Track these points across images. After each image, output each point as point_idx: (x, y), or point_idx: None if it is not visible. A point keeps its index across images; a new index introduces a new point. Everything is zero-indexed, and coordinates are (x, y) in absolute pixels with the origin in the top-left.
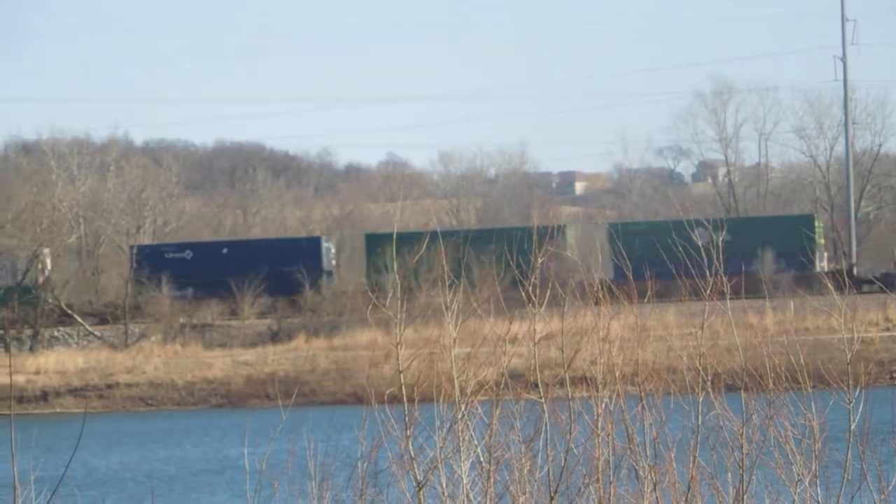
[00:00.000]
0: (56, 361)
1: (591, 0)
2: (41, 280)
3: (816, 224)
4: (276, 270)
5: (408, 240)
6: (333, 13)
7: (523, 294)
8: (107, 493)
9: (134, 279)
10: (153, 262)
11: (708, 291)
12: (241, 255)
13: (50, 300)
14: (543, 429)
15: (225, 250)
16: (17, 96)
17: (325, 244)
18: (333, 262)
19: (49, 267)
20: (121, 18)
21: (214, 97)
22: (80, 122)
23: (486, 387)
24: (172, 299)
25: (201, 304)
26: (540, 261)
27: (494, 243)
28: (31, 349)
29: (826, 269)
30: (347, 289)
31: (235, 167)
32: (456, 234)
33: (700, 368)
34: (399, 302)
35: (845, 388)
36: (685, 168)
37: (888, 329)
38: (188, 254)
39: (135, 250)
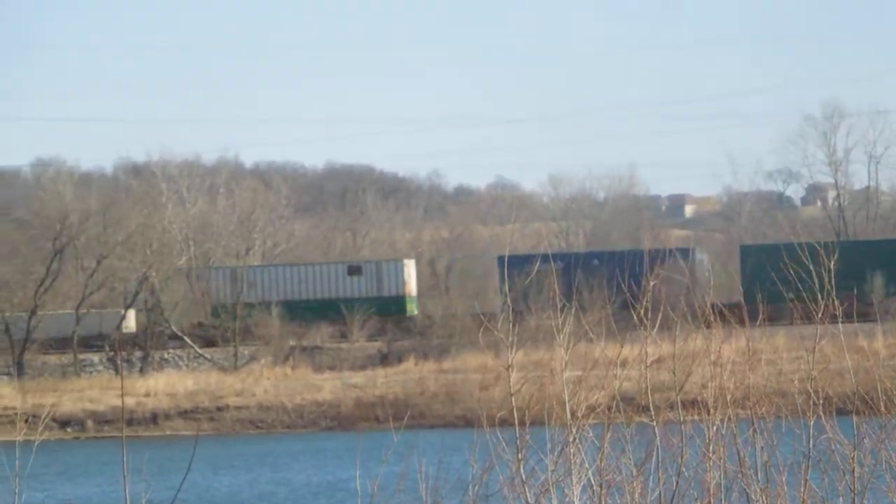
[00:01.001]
0: (166, 384)
1: (701, 22)
2: (150, 303)
3: None
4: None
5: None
6: (445, 35)
7: (634, 317)
8: None
9: (244, 301)
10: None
11: (819, 315)
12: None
13: (160, 323)
14: (655, 452)
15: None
16: (127, 118)
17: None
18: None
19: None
20: (229, 40)
21: (324, 118)
22: (190, 143)
23: (597, 410)
24: (282, 321)
25: (311, 327)
26: (652, 283)
27: (605, 266)
28: (142, 371)
29: None
30: (457, 311)
31: (345, 189)
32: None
33: (811, 392)
34: (510, 325)
35: None
36: (794, 191)
37: None
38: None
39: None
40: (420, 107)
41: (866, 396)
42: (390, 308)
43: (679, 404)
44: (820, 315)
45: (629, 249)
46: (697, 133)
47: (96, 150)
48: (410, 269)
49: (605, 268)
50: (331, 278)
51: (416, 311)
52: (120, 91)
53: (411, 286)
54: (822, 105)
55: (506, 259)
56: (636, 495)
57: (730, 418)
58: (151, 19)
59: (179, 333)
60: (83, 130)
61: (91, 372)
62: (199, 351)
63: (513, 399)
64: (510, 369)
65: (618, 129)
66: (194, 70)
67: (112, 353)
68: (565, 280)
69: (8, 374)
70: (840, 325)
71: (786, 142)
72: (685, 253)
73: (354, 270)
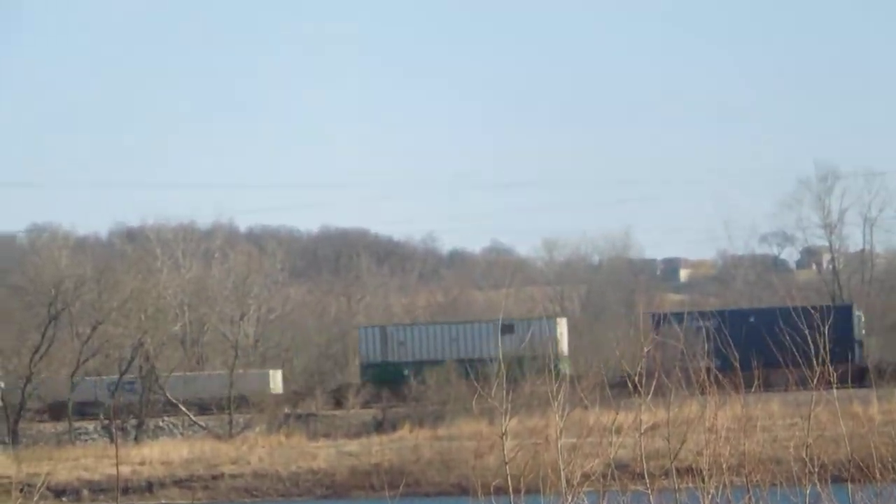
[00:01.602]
0: (161, 452)
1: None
2: (145, 369)
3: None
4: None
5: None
6: (438, 100)
7: (629, 384)
8: None
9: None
10: None
11: (814, 381)
12: None
13: (154, 391)
14: None
15: None
16: (123, 182)
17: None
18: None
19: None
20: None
21: (319, 182)
22: (185, 208)
23: (592, 478)
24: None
25: (305, 394)
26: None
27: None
28: (136, 439)
29: None
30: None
31: (340, 253)
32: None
33: (806, 459)
34: (504, 392)
35: None
36: (789, 255)
37: None
38: None
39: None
40: (415, 171)
41: (861, 464)
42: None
43: (674, 472)
44: (815, 381)
45: (780, 307)
46: (692, 197)
47: (91, 216)
48: (563, 328)
49: (762, 324)
50: (481, 337)
51: (568, 371)
52: (115, 156)
53: (563, 345)
54: (816, 167)
55: (654, 316)
56: None
57: (725, 485)
58: (145, 85)
59: (175, 401)
60: (78, 196)
61: (86, 440)
62: (194, 418)
63: (507, 467)
64: (504, 437)
65: (614, 193)
66: (190, 134)
67: (107, 421)
68: (721, 337)
69: (3, 442)
70: (835, 390)
71: (781, 205)
72: (845, 311)
73: (507, 329)
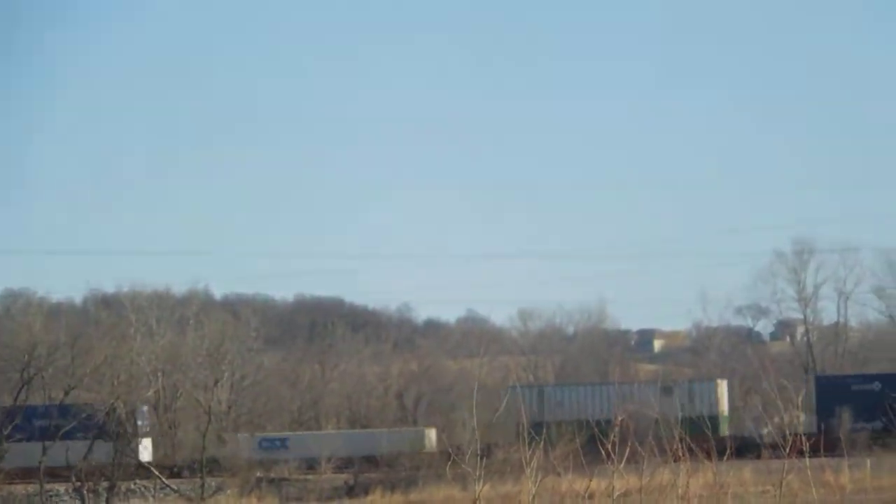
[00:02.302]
0: None
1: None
2: (118, 433)
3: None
4: None
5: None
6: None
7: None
8: None
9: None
10: None
11: (787, 450)
12: None
13: (126, 454)
14: None
15: None
16: (98, 249)
17: None
18: None
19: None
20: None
21: (295, 252)
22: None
23: None
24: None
25: (278, 458)
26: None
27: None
28: (108, 502)
29: None
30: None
31: (315, 322)
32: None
33: None
34: (477, 458)
35: None
36: (764, 327)
37: None
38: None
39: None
40: (390, 241)
41: None
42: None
43: None
44: (787, 450)
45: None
46: (669, 271)
47: (66, 282)
48: (723, 389)
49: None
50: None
51: (727, 432)
52: (90, 223)
53: (724, 405)
54: (793, 241)
55: (816, 378)
56: None
57: None
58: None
59: (147, 464)
60: (53, 262)
61: (57, 502)
62: (166, 481)
63: None
64: (477, 503)
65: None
66: (164, 203)
67: (79, 484)
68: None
69: None
70: (807, 459)
71: (756, 278)
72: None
73: (667, 390)
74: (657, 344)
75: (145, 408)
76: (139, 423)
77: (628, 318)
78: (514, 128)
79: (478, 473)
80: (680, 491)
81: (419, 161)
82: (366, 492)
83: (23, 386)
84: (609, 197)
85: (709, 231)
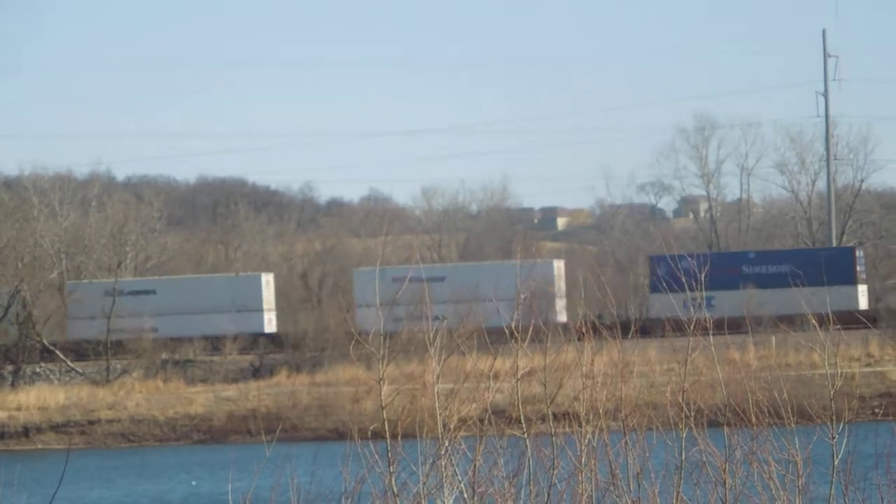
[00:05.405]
0: (37, 398)
1: (573, 36)
2: (22, 316)
3: None
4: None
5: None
6: (314, 47)
7: (506, 330)
8: None
9: (117, 315)
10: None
11: (692, 328)
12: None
13: (31, 337)
14: (526, 464)
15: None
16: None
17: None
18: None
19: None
20: (102, 53)
21: (196, 132)
22: (63, 158)
23: (469, 423)
24: (154, 335)
25: (183, 340)
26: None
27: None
28: (13, 385)
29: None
30: (330, 324)
31: (217, 202)
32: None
33: (683, 404)
34: (381, 338)
35: (828, 424)
36: (667, 204)
37: (870, 365)
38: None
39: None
40: (292, 120)
41: (737, 408)
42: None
43: (550, 416)
44: (692, 327)
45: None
46: (571, 147)
47: None
48: (560, 269)
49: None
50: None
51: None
52: None
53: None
54: (694, 117)
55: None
56: None
57: (602, 430)
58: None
59: (51, 347)
60: None
61: None
62: (71, 364)
63: (384, 412)
64: (382, 382)
65: (492, 143)
66: (67, 84)
67: None
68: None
69: None
70: (711, 337)
71: (658, 155)
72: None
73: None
74: (560, 222)
75: None
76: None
77: (531, 197)
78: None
79: (382, 353)
80: (584, 369)
81: (321, 37)
82: (271, 373)
83: None
84: (510, 71)
85: (610, 107)
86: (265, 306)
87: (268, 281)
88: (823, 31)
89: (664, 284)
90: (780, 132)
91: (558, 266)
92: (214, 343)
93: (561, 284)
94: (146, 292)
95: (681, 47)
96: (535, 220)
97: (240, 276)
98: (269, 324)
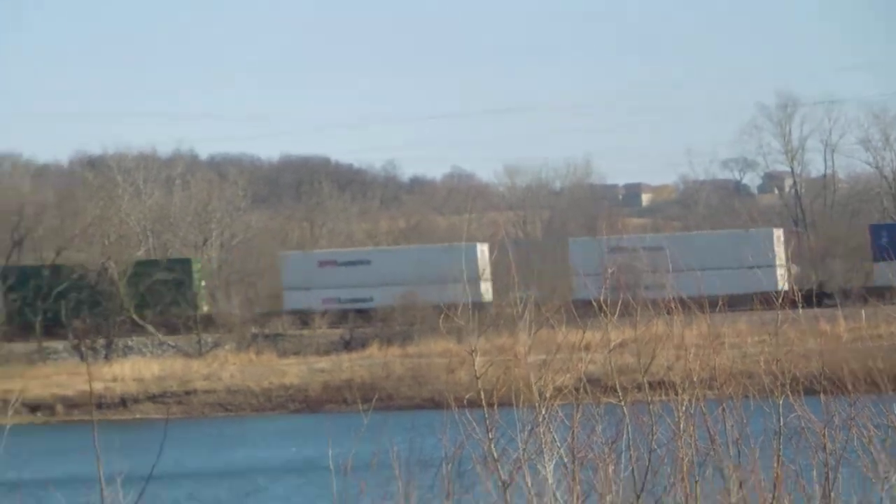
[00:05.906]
0: (132, 370)
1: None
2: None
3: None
4: None
5: None
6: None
7: (594, 304)
8: (198, 489)
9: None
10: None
11: (780, 301)
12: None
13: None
14: (625, 430)
15: None
16: (84, 112)
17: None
18: None
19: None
20: (186, 35)
21: (279, 112)
22: (146, 137)
23: (565, 391)
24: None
25: (272, 316)
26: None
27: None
28: (107, 358)
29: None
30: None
31: (301, 181)
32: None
33: (777, 373)
34: (471, 312)
35: None
36: (751, 180)
37: None
38: None
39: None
40: (375, 101)
41: (833, 377)
42: None
43: (646, 385)
44: (780, 301)
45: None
46: (655, 124)
47: (52, 144)
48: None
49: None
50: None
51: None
52: (76, 85)
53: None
54: (776, 95)
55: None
56: (609, 471)
57: (698, 398)
58: (109, 13)
59: (141, 322)
60: (39, 124)
61: (56, 359)
62: (163, 338)
63: (479, 382)
64: (474, 353)
65: (575, 120)
66: (151, 64)
67: (76, 341)
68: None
69: None
70: (800, 310)
71: (741, 132)
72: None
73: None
74: (645, 198)
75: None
76: None
77: (615, 173)
78: None
79: (472, 325)
80: (676, 341)
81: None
82: (362, 346)
83: (14, 246)
84: (593, 51)
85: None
86: (482, 275)
87: (482, 250)
88: None
89: (887, 253)
90: (864, 108)
91: (777, 235)
92: (303, 318)
93: (780, 253)
94: (361, 262)
95: (766, 24)
96: (620, 197)
97: (453, 245)
98: (487, 293)
